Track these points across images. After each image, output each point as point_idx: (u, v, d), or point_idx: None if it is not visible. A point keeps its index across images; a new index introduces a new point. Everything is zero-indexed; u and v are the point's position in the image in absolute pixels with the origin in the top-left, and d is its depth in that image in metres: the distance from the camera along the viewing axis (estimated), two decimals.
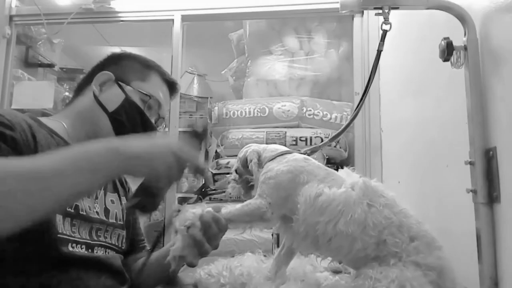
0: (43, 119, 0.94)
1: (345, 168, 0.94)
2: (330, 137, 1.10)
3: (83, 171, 0.61)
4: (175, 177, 0.73)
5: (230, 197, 2.07)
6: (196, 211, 0.84)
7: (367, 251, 0.77)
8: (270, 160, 0.92)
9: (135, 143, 0.68)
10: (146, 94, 1.00)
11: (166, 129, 1.13)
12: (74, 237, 0.86)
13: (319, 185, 0.82)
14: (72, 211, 0.87)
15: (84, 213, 0.90)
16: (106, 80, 0.99)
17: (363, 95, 1.05)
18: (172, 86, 1.10)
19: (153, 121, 1.03)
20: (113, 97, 0.98)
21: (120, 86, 0.99)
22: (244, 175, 1.01)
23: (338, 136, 1.07)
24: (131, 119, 0.98)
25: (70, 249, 0.84)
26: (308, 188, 0.82)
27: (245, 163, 0.99)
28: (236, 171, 1.03)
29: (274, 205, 0.83)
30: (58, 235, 0.81)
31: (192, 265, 0.84)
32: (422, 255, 0.75)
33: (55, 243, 0.81)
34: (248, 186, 1.00)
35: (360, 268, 0.78)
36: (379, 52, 1.01)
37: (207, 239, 0.83)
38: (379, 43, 1.02)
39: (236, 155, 1.05)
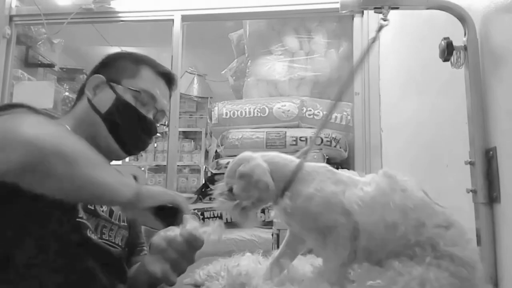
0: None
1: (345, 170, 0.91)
2: (315, 134, 1.03)
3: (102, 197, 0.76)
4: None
5: None
6: (169, 234, 0.84)
7: (408, 237, 0.72)
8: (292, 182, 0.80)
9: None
10: (136, 90, 1.00)
11: (166, 129, 1.12)
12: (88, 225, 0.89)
13: (356, 187, 0.77)
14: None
15: (92, 208, 0.92)
16: (98, 83, 1.00)
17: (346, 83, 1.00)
18: (168, 78, 1.08)
19: (151, 116, 1.02)
20: (105, 98, 0.99)
21: (111, 87, 0.99)
22: (240, 197, 0.81)
23: (320, 130, 1.00)
24: (125, 118, 0.98)
25: (88, 234, 0.87)
26: (351, 194, 0.76)
27: (252, 183, 0.78)
28: (231, 188, 0.81)
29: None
30: (78, 219, 0.85)
31: (171, 284, 0.85)
32: (459, 247, 0.70)
33: (76, 226, 0.85)
34: (243, 208, 0.81)
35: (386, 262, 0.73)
36: (373, 39, 0.97)
37: (181, 257, 0.84)
38: (376, 33, 0.95)
39: (237, 156, 0.87)
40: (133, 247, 1.09)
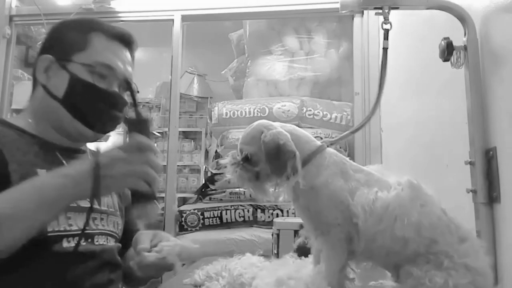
0: (12, 119, 0.92)
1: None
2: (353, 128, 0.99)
3: (48, 204, 0.71)
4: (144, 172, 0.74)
5: (230, 197, 2.07)
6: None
7: (419, 250, 0.71)
8: (308, 162, 0.76)
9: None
10: (90, 65, 0.90)
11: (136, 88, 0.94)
12: (70, 230, 0.85)
13: (370, 190, 0.73)
14: None
15: (75, 205, 0.86)
16: (48, 64, 0.91)
17: (378, 95, 1.02)
18: (124, 39, 0.97)
19: (115, 88, 0.93)
20: (59, 80, 0.90)
21: (63, 66, 0.90)
22: (258, 165, 0.76)
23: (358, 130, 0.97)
24: (85, 99, 0.90)
25: (65, 244, 0.84)
26: (361, 195, 0.73)
27: (275, 151, 0.73)
28: (247, 156, 0.77)
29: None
30: (49, 234, 0.81)
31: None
32: (472, 258, 0.70)
33: (45, 243, 0.81)
34: (257, 175, 0.77)
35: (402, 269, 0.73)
36: (385, 50, 0.97)
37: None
38: (384, 41, 0.98)
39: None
40: (128, 235, 1.07)
